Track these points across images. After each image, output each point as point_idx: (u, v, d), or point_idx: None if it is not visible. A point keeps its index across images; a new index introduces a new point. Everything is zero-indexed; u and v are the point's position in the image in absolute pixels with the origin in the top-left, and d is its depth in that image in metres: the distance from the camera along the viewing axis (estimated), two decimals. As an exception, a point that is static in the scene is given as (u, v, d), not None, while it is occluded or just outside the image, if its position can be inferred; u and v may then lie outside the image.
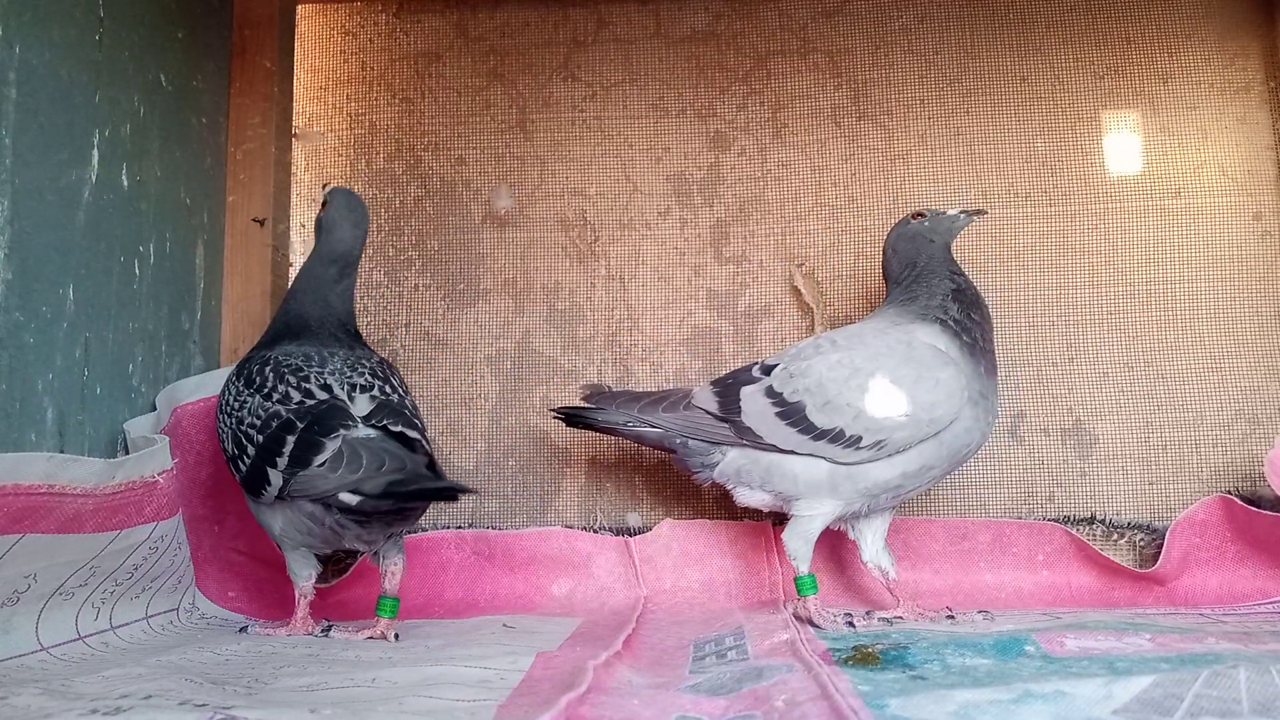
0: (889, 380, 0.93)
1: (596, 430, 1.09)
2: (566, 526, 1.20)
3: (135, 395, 1.02)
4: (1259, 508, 1.07)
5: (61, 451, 0.89)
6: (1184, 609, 1.03)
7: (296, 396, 0.90)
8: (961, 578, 1.13)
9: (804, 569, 0.95)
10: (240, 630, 0.96)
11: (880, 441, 0.92)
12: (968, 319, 0.98)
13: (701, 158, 1.29)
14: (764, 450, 0.97)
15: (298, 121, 1.31)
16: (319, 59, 1.33)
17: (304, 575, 0.95)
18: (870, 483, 0.94)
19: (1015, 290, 1.23)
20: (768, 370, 1.00)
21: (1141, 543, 1.17)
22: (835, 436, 0.93)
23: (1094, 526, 1.18)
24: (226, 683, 0.69)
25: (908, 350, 0.94)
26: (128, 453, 0.97)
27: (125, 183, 1.00)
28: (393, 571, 0.95)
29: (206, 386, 1.06)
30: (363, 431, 0.87)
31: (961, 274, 1.03)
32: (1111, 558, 1.11)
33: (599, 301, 1.27)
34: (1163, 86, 1.26)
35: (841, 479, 0.94)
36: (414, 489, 0.83)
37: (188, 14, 1.12)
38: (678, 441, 1.02)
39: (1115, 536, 1.18)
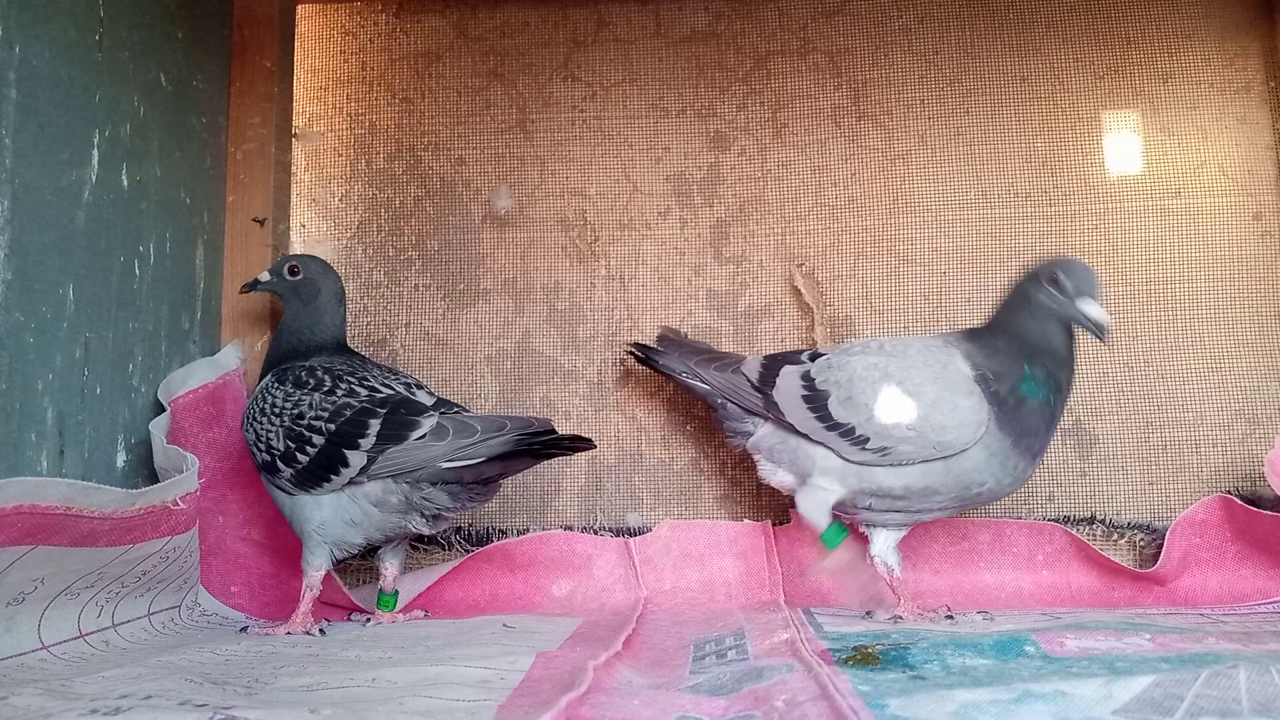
0: (909, 392, 0.94)
1: (657, 371, 1.14)
2: (566, 527, 1.20)
3: (135, 395, 1.02)
4: (1259, 508, 1.07)
5: (61, 452, 0.89)
6: (1184, 609, 1.03)
7: (363, 391, 0.98)
8: (961, 578, 1.13)
9: (824, 522, 0.98)
10: (240, 630, 0.96)
11: (885, 448, 0.94)
12: (1018, 401, 0.92)
13: (701, 158, 1.29)
14: (790, 431, 1.00)
15: (298, 121, 1.31)
16: (319, 59, 1.33)
17: (315, 565, 0.97)
18: (874, 485, 0.96)
19: (1015, 290, 1.23)
20: (815, 358, 1.03)
21: (1141, 543, 1.17)
22: (846, 432, 0.96)
23: (1094, 526, 1.18)
24: (226, 683, 0.69)
25: (940, 370, 0.95)
26: (150, 451, 1.00)
27: (125, 183, 1.00)
28: (391, 572, 1.03)
29: (194, 377, 1.08)
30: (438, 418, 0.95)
31: (1056, 362, 0.93)
32: (1111, 558, 1.11)
33: (599, 301, 1.27)
34: (1163, 86, 1.26)
35: (850, 475, 0.97)
36: (548, 439, 0.92)
37: (188, 14, 1.12)
38: (718, 401, 1.07)
39: (1115, 536, 1.17)
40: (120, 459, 0.99)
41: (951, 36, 1.29)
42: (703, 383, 1.07)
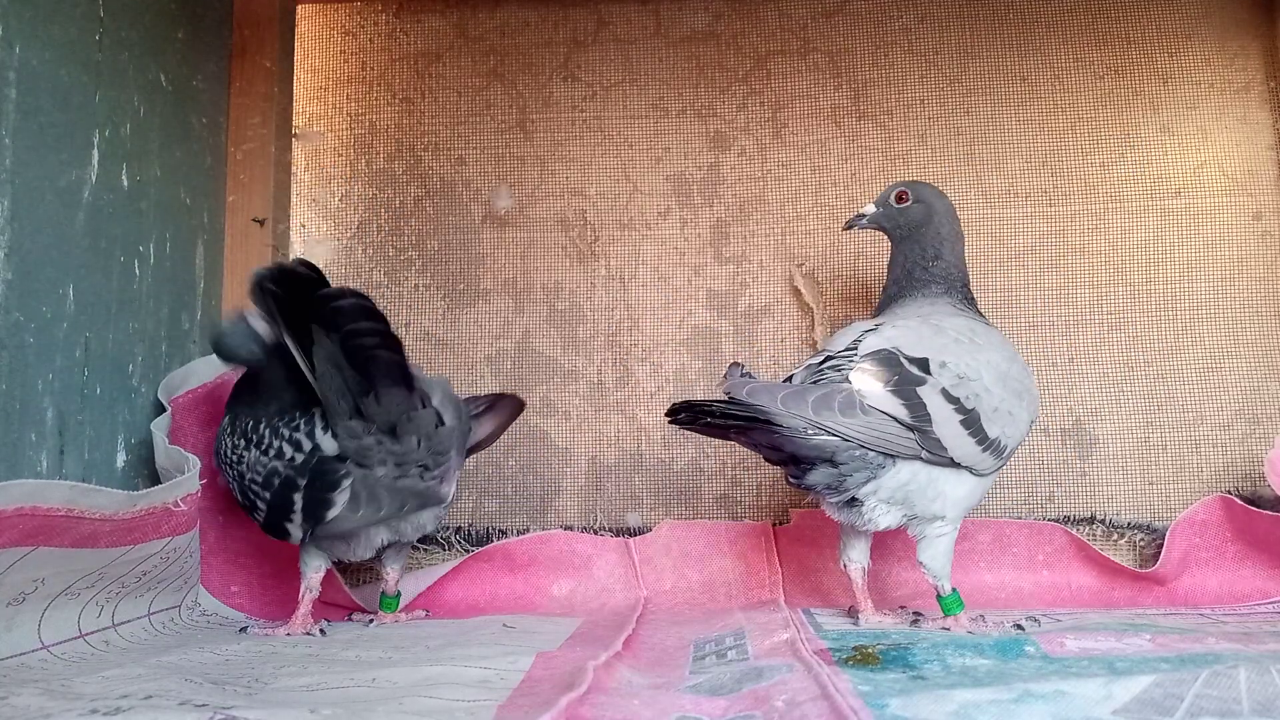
0: (1027, 387, 0.92)
1: (730, 424, 0.82)
2: (566, 527, 1.20)
3: (135, 395, 1.02)
4: (1259, 508, 1.07)
5: (61, 452, 0.89)
6: (1184, 609, 1.03)
7: (289, 451, 0.92)
8: (961, 578, 1.13)
9: (948, 587, 0.89)
10: (240, 631, 0.96)
11: (1011, 451, 0.90)
12: None
13: (701, 158, 1.29)
14: (934, 465, 0.85)
15: (298, 121, 1.31)
16: (319, 59, 1.33)
17: (313, 567, 0.98)
18: (983, 494, 0.90)
19: (1015, 290, 1.23)
20: (892, 359, 0.85)
21: (1141, 543, 1.17)
22: (994, 446, 0.86)
23: (1094, 526, 1.18)
24: (226, 683, 0.69)
25: (1022, 362, 0.94)
26: (150, 451, 1.00)
27: (125, 183, 1.00)
28: (393, 575, 1.03)
29: (193, 377, 1.08)
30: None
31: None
32: (1111, 558, 1.11)
33: (599, 301, 1.27)
34: (1163, 86, 1.26)
35: (977, 491, 0.89)
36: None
37: (188, 14, 1.12)
38: (850, 454, 0.82)
39: (1115, 536, 1.18)
40: (120, 459, 0.99)
41: (951, 36, 1.29)
42: (834, 435, 0.80)
